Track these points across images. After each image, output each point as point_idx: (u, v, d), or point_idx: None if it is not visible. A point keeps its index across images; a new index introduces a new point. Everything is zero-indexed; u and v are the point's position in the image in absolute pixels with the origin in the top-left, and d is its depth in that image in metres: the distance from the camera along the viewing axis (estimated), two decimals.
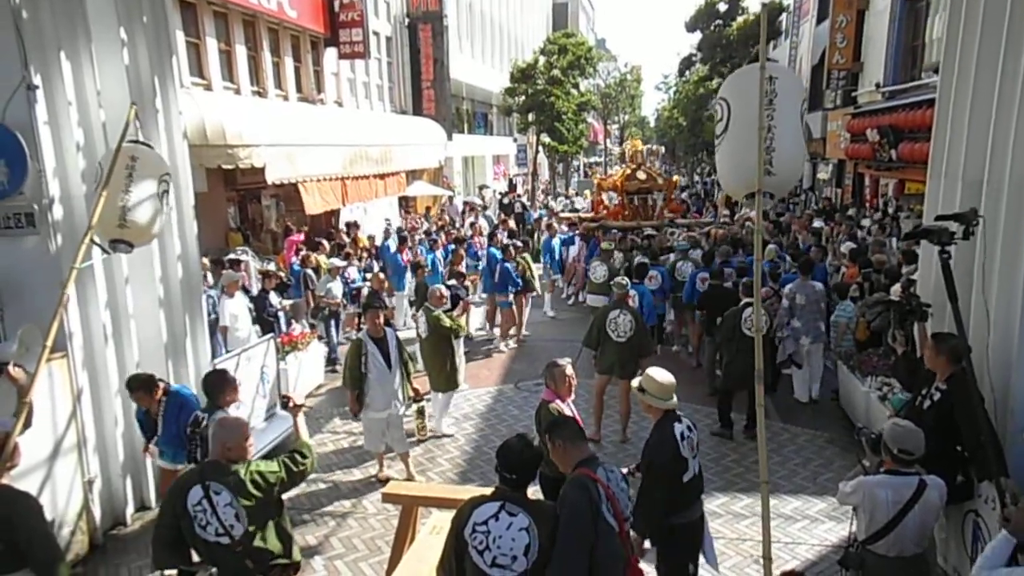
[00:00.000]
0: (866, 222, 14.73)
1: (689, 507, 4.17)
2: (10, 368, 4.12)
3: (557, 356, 5.02)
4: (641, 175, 16.44)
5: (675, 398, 4.27)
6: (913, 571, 3.73)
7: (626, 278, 8.19)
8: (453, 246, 12.92)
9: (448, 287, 9.23)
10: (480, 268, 12.82)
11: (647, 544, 4.23)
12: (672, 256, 10.95)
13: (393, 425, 6.73)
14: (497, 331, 11.66)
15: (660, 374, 4.30)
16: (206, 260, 9.75)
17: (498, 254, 11.59)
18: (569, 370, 4.73)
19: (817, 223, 14.70)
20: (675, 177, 19.62)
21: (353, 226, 15.98)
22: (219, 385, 4.73)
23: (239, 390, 4.91)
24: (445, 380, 7.78)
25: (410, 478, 6.74)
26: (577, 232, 15.26)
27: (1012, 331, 4.56)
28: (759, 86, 3.58)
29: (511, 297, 11.19)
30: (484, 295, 12.43)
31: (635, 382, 4.44)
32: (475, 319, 12.02)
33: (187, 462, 4.81)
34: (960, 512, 4.65)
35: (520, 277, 11.22)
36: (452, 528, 3.24)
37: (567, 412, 4.61)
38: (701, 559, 4.35)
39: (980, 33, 4.85)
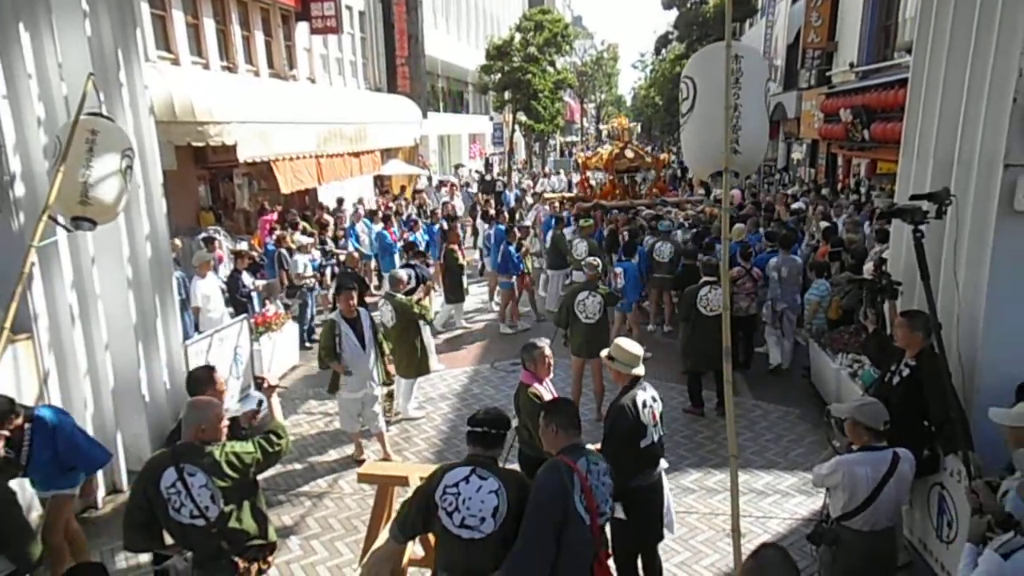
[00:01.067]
0: (843, 202, 14.85)
1: (644, 472, 4.28)
2: None
3: (534, 336, 5.04)
4: (629, 153, 16.41)
5: (642, 367, 4.39)
6: (885, 544, 3.82)
7: (597, 259, 8.20)
8: (444, 223, 12.88)
9: (412, 267, 9.17)
10: (481, 246, 12.66)
11: (618, 507, 4.27)
12: (649, 238, 10.86)
13: (368, 405, 6.70)
14: (497, 308, 11.66)
15: (628, 343, 4.45)
16: (177, 240, 9.58)
17: (503, 231, 11.65)
18: (548, 351, 4.79)
19: (798, 204, 14.82)
20: (663, 155, 19.52)
21: (340, 202, 15.94)
22: (206, 381, 4.38)
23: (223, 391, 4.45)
24: (415, 367, 7.60)
25: (387, 457, 6.74)
26: (573, 213, 14.70)
27: (978, 309, 4.65)
28: (726, 65, 3.57)
29: (513, 279, 11.13)
30: (489, 271, 12.34)
31: (604, 352, 4.55)
32: (436, 302, 11.90)
33: None
34: (926, 486, 4.77)
35: (521, 261, 11.18)
36: (421, 490, 3.31)
37: (547, 396, 4.66)
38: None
39: (952, 13, 4.89)
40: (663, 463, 4.47)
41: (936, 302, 4.83)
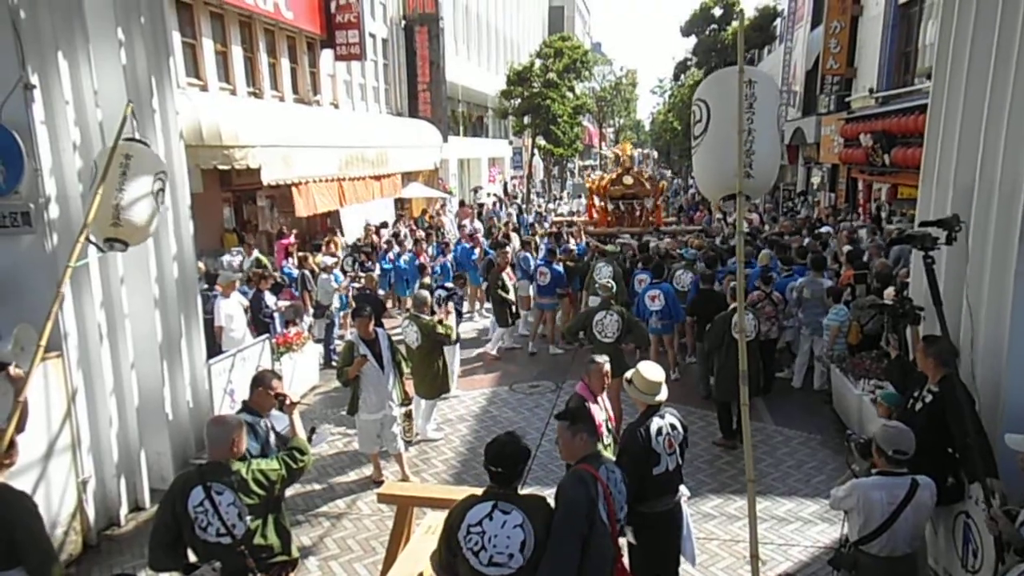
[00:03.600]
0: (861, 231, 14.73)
1: (657, 499, 4.22)
2: (11, 368, 4.10)
3: (556, 360, 5.09)
4: (628, 180, 16.29)
5: (664, 393, 4.34)
6: (904, 570, 3.78)
7: (612, 282, 8.23)
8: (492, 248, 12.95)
9: (447, 290, 9.26)
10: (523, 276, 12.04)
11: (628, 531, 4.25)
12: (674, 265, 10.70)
13: (387, 426, 6.71)
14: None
15: (649, 370, 4.39)
16: (201, 264, 9.76)
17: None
18: (606, 367, 4.87)
19: (825, 228, 14.73)
20: (662, 183, 19.32)
21: (382, 226, 16.39)
22: (259, 381, 4.48)
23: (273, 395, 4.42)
24: (436, 387, 7.64)
25: (405, 478, 6.75)
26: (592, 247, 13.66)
27: (1002, 335, 4.61)
28: (739, 89, 3.61)
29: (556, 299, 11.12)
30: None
31: (628, 373, 4.52)
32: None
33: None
34: (951, 513, 4.69)
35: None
36: (444, 530, 3.26)
37: (598, 413, 4.71)
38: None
39: (971, 39, 4.90)
40: (683, 490, 4.41)
41: (959, 327, 4.81)
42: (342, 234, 15.88)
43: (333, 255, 12.58)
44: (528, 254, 12.11)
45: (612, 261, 11.01)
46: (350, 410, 6.79)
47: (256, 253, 12.38)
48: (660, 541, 4.26)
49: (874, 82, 17.52)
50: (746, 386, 3.55)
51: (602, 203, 16.46)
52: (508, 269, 11.10)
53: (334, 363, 10.28)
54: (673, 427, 4.30)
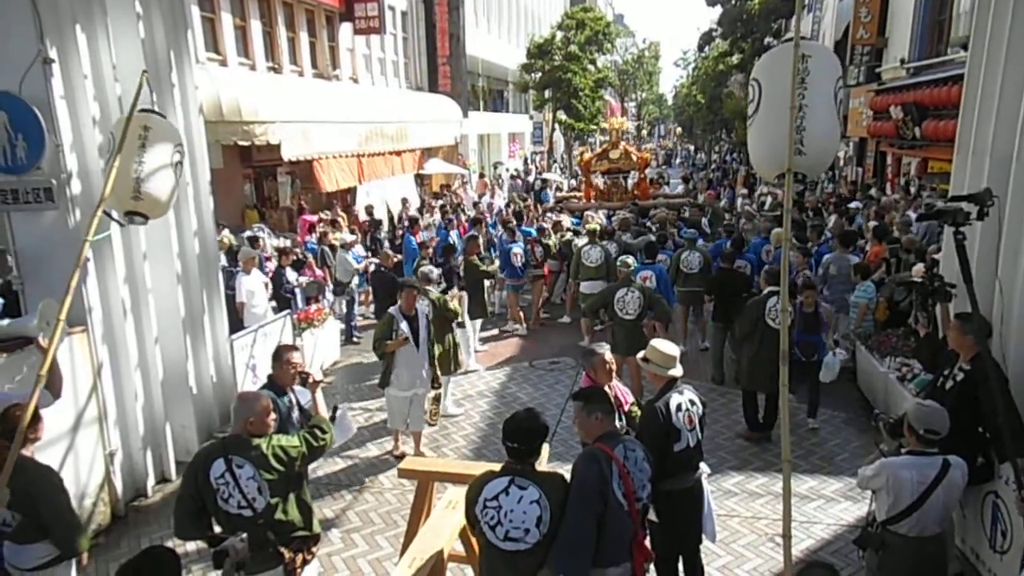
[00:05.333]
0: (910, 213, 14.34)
1: (678, 476, 4.17)
2: (40, 339, 4.15)
3: (576, 337, 5.00)
4: (614, 154, 15.97)
5: (679, 368, 4.30)
6: (933, 550, 3.72)
7: (631, 257, 8.08)
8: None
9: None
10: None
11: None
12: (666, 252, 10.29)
13: (415, 405, 6.67)
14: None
15: (663, 344, 4.36)
16: (225, 237, 9.81)
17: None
18: (608, 356, 4.65)
19: (855, 203, 14.44)
20: (646, 155, 18.69)
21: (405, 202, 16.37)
22: (277, 356, 4.59)
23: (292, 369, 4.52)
24: (449, 363, 7.55)
25: (418, 455, 6.76)
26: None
27: None
28: (792, 64, 3.49)
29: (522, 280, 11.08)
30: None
31: (641, 353, 4.48)
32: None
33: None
34: (980, 493, 4.60)
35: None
36: (465, 504, 3.30)
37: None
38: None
39: (1012, 5, 4.70)
40: (704, 467, 4.37)
41: (991, 305, 4.67)
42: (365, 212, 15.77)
43: (352, 232, 12.54)
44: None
45: (599, 242, 10.22)
46: (382, 383, 6.73)
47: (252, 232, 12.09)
48: (681, 519, 4.23)
49: (906, 52, 17.02)
50: (786, 366, 3.43)
51: (583, 178, 16.26)
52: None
53: (355, 339, 10.40)
54: (692, 403, 4.26)
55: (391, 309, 6.68)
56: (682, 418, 4.16)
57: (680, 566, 4.43)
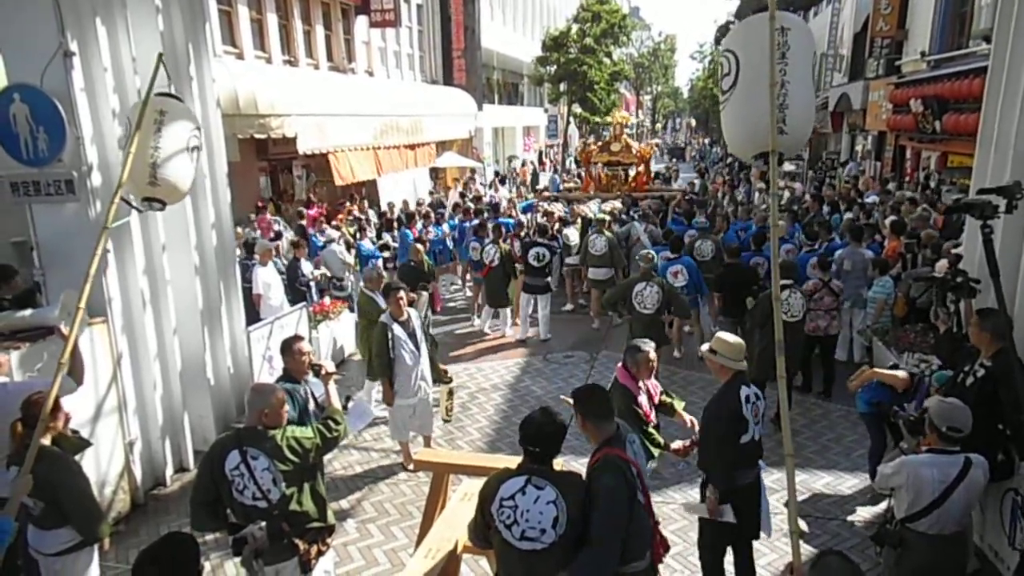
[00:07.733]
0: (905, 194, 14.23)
1: (743, 469, 4.17)
2: (62, 327, 4.21)
3: (591, 330, 4.98)
4: (615, 147, 16.02)
5: (745, 362, 4.29)
6: (952, 548, 3.69)
7: (653, 252, 8.06)
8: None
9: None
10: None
11: (728, 509, 4.17)
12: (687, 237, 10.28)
13: (422, 410, 6.46)
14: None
15: (730, 336, 4.33)
16: (239, 229, 9.85)
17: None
18: (652, 355, 4.67)
19: (871, 197, 14.28)
20: (646, 149, 18.58)
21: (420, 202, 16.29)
22: (285, 349, 4.67)
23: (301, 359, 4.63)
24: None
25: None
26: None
27: None
28: (770, 38, 3.34)
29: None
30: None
31: (704, 346, 4.45)
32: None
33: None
34: (999, 491, 4.55)
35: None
36: (479, 500, 3.25)
37: (643, 402, 4.68)
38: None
39: None
40: (761, 463, 4.36)
41: (1015, 301, 4.61)
42: (376, 205, 15.82)
43: (337, 228, 12.22)
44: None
45: (603, 232, 10.43)
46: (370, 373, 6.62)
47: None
48: (747, 511, 4.21)
49: (926, 45, 16.78)
50: (783, 356, 3.39)
51: (582, 169, 16.25)
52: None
53: None
54: (758, 396, 4.25)
55: (382, 317, 6.29)
56: (750, 410, 4.15)
57: (729, 559, 4.41)
